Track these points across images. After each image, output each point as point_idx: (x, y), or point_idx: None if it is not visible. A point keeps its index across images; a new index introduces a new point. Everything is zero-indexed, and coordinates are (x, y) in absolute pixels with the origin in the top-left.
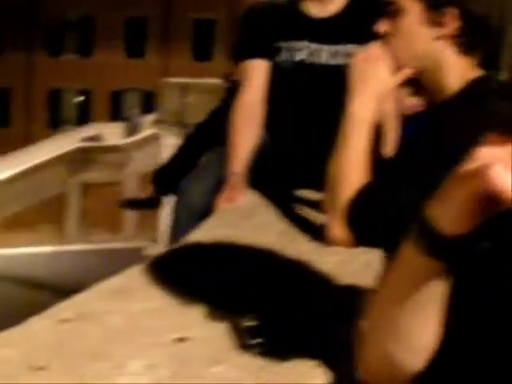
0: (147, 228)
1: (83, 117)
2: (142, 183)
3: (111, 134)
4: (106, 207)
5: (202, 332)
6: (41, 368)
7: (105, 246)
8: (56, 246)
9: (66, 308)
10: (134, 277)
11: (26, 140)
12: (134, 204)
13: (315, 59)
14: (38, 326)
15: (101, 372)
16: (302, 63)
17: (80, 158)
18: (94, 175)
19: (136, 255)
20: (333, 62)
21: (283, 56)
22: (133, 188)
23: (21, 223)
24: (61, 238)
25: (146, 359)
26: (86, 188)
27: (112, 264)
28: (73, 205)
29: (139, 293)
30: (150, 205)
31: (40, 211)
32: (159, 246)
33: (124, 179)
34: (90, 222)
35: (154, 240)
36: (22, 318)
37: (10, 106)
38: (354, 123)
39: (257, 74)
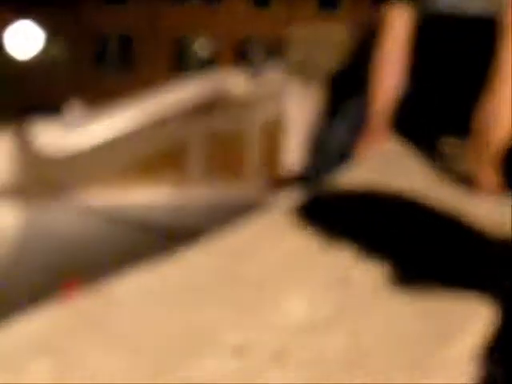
0: (269, 176)
1: (207, 65)
2: (265, 134)
3: (236, 82)
4: (229, 156)
5: (363, 273)
6: (199, 298)
7: (226, 193)
8: (178, 193)
9: (223, 239)
10: (276, 219)
11: (151, 86)
12: (287, 181)
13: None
14: (196, 257)
15: (259, 305)
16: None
17: (204, 106)
18: (217, 123)
19: (256, 204)
20: (483, 11)
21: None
22: (256, 135)
23: (143, 170)
24: (183, 186)
25: (307, 296)
26: (210, 136)
27: (232, 211)
28: (196, 153)
29: (287, 233)
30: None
31: (163, 159)
32: (282, 195)
33: (248, 126)
34: (213, 171)
35: (275, 191)
36: (139, 264)
37: (133, 53)
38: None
39: (400, 19)
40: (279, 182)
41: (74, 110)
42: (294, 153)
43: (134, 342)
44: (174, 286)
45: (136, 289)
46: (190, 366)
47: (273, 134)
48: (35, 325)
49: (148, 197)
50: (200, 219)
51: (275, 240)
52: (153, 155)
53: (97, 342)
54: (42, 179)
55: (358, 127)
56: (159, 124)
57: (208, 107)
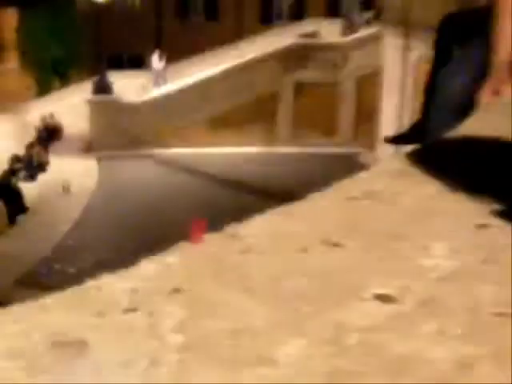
0: (363, 133)
1: (296, 12)
2: (360, 85)
3: (328, 31)
4: (321, 109)
5: (503, 222)
6: (336, 244)
7: (317, 149)
8: (266, 148)
9: (350, 186)
10: (398, 168)
11: (237, 35)
12: (399, 138)
13: None
14: (325, 202)
15: (401, 252)
16: None
17: (295, 56)
18: (309, 74)
19: (349, 162)
20: None
21: None
22: (350, 90)
23: (230, 122)
24: (271, 140)
25: (449, 243)
26: (301, 87)
27: (323, 169)
28: (286, 105)
29: (418, 177)
30: (415, 138)
31: (251, 111)
32: (377, 153)
33: (341, 80)
34: (303, 124)
35: (371, 147)
36: (227, 220)
37: (219, 2)
38: None
39: None
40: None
41: (158, 60)
42: (391, 108)
43: (272, 287)
44: (305, 233)
45: (268, 234)
46: (334, 312)
47: (369, 87)
48: (171, 267)
49: (233, 150)
50: (288, 175)
51: (405, 188)
52: (240, 107)
53: (235, 287)
54: (122, 130)
55: (479, 73)
56: (247, 75)
57: (299, 58)
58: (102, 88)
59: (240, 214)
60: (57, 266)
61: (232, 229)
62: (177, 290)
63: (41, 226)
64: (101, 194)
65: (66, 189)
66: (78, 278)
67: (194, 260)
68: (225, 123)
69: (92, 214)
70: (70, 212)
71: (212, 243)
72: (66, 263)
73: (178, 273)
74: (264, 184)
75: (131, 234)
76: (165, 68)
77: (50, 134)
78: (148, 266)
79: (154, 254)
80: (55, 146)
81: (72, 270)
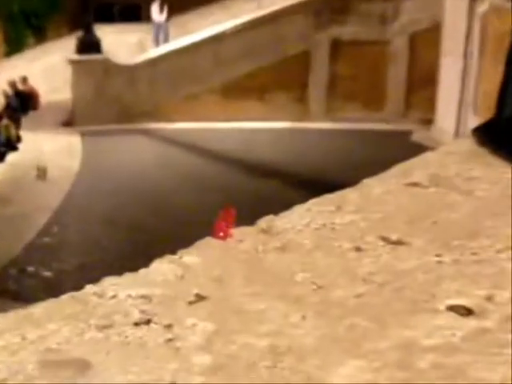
0: (417, 105)
1: None
2: (413, 44)
3: None
4: (364, 74)
5: None
6: (398, 242)
7: (358, 125)
8: (294, 123)
9: (411, 170)
10: (472, 142)
11: None
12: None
13: None
14: (381, 190)
15: (481, 253)
16: None
17: (331, 7)
18: (348, 30)
19: (399, 140)
20: None
21: None
22: (401, 50)
23: (249, 91)
24: (301, 113)
25: None
26: (338, 47)
27: (367, 150)
28: (319, 69)
29: (493, 159)
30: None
31: (275, 76)
32: (435, 131)
33: (390, 37)
34: (341, 93)
35: (427, 122)
36: (253, 212)
37: None
38: None
39: None
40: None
41: (158, 11)
42: (452, 72)
43: (320, 295)
44: (358, 227)
45: (311, 229)
46: (400, 328)
47: (425, 47)
48: (191, 269)
49: (253, 125)
50: (322, 156)
51: (480, 172)
52: (261, 71)
53: (273, 294)
54: (112, 98)
55: None
56: (270, 31)
57: (336, 10)
58: (88, 45)
59: (266, 204)
60: (30, 269)
61: (266, 222)
62: (200, 298)
63: (10, 220)
64: (85, 178)
65: (41, 172)
66: (56, 285)
67: (221, 260)
68: (242, 92)
69: (74, 203)
70: (47, 201)
71: (242, 239)
72: (41, 265)
73: (201, 276)
74: (293, 168)
75: (124, 230)
76: (167, 21)
77: (22, 103)
78: (162, 268)
79: (165, 252)
80: (29, 117)
81: (48, 274)
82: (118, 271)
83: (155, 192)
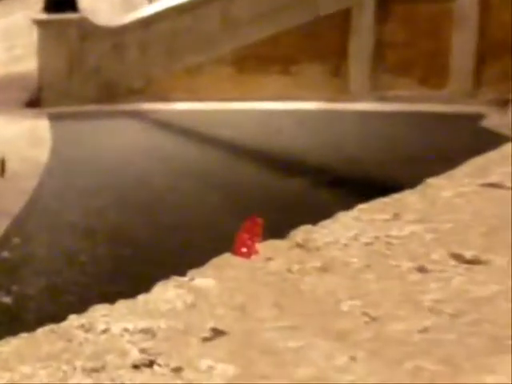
0: (490, 81)
1: None
2: (485, 2)
3: None
4: (420, 40)
5: None
6: (473, 260)
7: (413, 107)
8: (329, 103)
9: (487, 168)
10: None
11: None
12: None
13: None
14: (448, 192)
15: None
16: None
17: None
18: None
19: (467, 126)
20: None
21: None
22: (469, 10)
23: (270, 61)
24: (338, 91)
25: None
26: (387, 4)
27: (426, 138)
28: (362, 33)
29: None
30: None
31: (304, 42)
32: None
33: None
34: (391, 65)
35: (502, 104)
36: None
37: None
38: None
39: None
40: None
41: None
42: None
43: (372, 329)
44: (421, 241)
45: (360, 243)
46: (481, 374)
47: (500, 8)
48: (205, 295)
49: (275, 106)
50: (368, 146)
51: None
52: (287, 36)
53: (311, 327)
54: (90, 71)
55: None
56: None
57: None
58: (60, 2)
59: (295, 210)
60: None
61: (301, 234)
62: (217, 332)
63: None
64: (55, 174)
65: (0, 166)
66: (17, 314)
67: (244, 283)
68: (260, 63)
69: (41, 207)
70: (5, 204)
71: (271, 256)
72: (1, 290)
73: (218, 304)
74: (328, 161)
75: (105, 241)
76: None
77: None
78: (167, 293)
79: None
80: None
81: (7, 300)
82: (101, 296)
83: (146, 192)
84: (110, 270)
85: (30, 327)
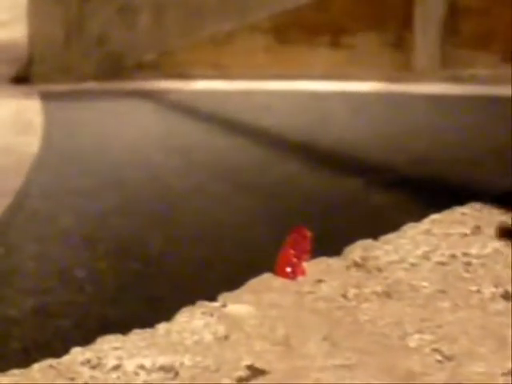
0: None
1: None
2: None
3: None
4: (505, 7)
5: None
6: None
7: (497, 89)
8: (395, 83)
9: None
10: None
11: None
12: None
13: None
14: None
15: None
16: None
17: None
18: None
19: None
20: None
21: None
22: None
23: (316, 31)
24: (400, 69)
25: None
26: None
27: (508, 124)
28: (428, 6)
29: None
30: None
31: (357, 9)
32: None
33: None
34: (468, 38)
35: None
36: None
37: None
38: None
39: None
40: None
41: None
42: None
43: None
44: None
45: (432, 264)
46: None
47: None
48: (239, 325)
49: (321, 86)
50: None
51: None
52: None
53: (379, 370)
54: (91, 40)
55: None
56: None
57: None
58: None
59: (348, 219)
60: None
61: (359, 251)
62: (256, 372)
63: None
64: (47, 168)
65: None
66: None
67: (288, 312)
68: (304, 32)
69: (28, 209)
70: None
71: (321, 278)
72: None
73: (256, 337)
74: (389, 157)
75: (109, 253)
76: None
77: None
78: (193, 322)
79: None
80: None
81: None
82: (101, 321)
83: (160, 192)
84: (113, 289)
85: (13, 359)
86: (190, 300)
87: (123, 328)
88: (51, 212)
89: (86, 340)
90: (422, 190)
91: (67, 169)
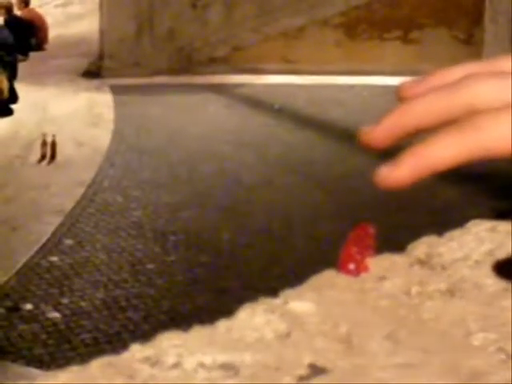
0: None
1: None
2: None
3: None
4: None
5: None
6: None
7: None
8: None
9: None
10: None
11: None
12: None
13: None
14: None
15: None
16: None
17: None
18: None
19: None
20: None
21: None
22: None
23: (393, 23)
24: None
25: None
26: None
27: None
28: (499, 2)
29: None
30: None
31: (428, 1)
32: None
33: None
34: None
35: None
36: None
37: None
38: None
39: None
40: None
41: None
42: None
43: None
44: None
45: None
46: None
47: None
48: (301, 322)
49: (393, 80)
50: None
51: None
52: None
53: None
54: (164, 34)
55: None
56: None
57: None
58: None
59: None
60: (27, 307)
61: (423, 247)
62: (317, 370)
63: None
64: (118, 161)
65: (46, 150)
66: (67, 333)
67: (350, 309)
68: (375, 27)
69: (99, 202)
70: (57, 198)
71: (384, 275)
72: (44, 302)
73: (318, 334)
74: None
75: (177, 244)
76: None
77: (19, 38)
78: (255, 320)
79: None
80: (30, 61)
81: (55, 316)
82: (171, 314)
83: (231, 187)
84: (183, 282)
85: (83, 351)
86: (252, 293)
87: (193, 322)
88: (122, 204)
89: (156, 334)
90: (490, 183)
91: (138, 162)
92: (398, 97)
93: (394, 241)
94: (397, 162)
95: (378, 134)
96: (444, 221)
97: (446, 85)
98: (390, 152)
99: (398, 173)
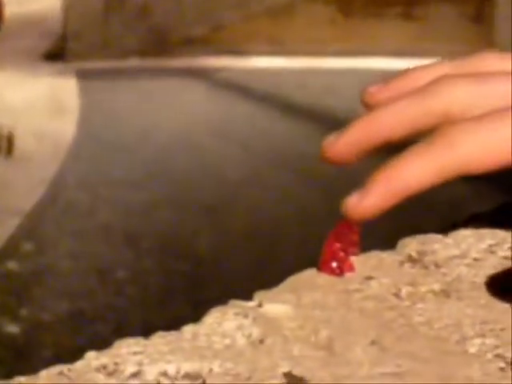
0: None
1: None
2: None
3: None
4: None
5: None
6: None
7: None
8: None
9: None
10: None
11: None
12: None
13: None
14: None
15: None
16: None
17: None
18: None
19: None
20: None
21: None
22: None
23: (389, 2)
24: (486, 43)
25: None
26: None
27: None
28: None
29: None
30: None
31: None
32: None
33: None
34: None
35: None
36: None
37: None
38: None
39: None
40: None
41: None
42: None
43: None
44: None
45: None
46: None
47: None
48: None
49: (395, 63)
50: None
51: None
52: None
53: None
54: (135, 10)
55: None
56: None
57: None
58: None
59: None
60: None
61: (414, 244)
62: (294, 379)
63: None
64: (84, 155)
65: (3, 143)
66: (26, 348)
67: (332, 312)
68: (374, 2)
69: (63, 201)
70: (14, 197)
71: (371, 274)
72: (5, 315)
73: (296, 340)
74: None
75: (151, 249)
76: None
77: None
78: (225, 324)
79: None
80: None
81: (13, 330)
82: (144, 328)
83: (212, 184)
84: (158, 292)
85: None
86: (215, 298)
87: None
88: (89, 204)
89: None
90: (498, 179)
91: (107, 156)
92: (362, 103)
93: (383, 237)
94: (364, 190)
95: (340, 149)
96: (451, 218)
97: (418, 89)
98: (397, 145)
99: (368, 202)
